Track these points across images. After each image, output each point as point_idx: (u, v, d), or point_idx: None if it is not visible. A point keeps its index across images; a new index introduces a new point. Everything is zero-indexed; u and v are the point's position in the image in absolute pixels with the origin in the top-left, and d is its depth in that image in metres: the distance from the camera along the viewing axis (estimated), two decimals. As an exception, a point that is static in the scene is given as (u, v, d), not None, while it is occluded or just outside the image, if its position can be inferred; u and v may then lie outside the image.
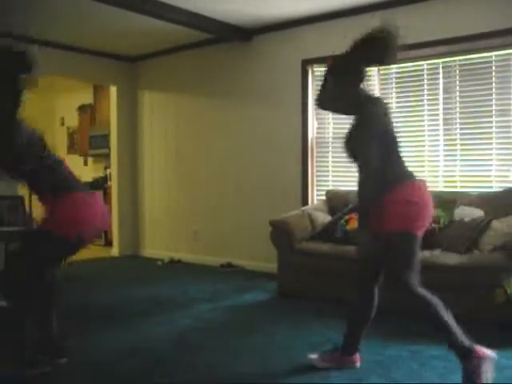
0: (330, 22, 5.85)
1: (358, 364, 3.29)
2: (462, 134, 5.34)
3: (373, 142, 3.02)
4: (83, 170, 10.09)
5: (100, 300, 5.15)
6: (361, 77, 3.15)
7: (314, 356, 3.35)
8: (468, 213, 4.76)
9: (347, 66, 3.19)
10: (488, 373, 2.84)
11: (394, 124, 3.28)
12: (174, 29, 6.15)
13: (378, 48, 3.15)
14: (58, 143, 10.75)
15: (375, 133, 3.04)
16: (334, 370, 3.23)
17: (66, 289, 5.31)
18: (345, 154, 3.25)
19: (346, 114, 3.31)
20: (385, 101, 3.33)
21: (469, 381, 2.84)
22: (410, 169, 3.18)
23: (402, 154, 3.17)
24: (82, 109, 9.93)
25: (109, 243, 8.42)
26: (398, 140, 3.19)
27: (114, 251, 7.98)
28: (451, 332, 2.93)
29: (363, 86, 3.16)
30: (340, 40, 5.64)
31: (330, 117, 6.03)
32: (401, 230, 2.92)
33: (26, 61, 3.25)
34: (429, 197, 3.06)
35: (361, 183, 3.12)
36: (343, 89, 3.15)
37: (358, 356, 3.31)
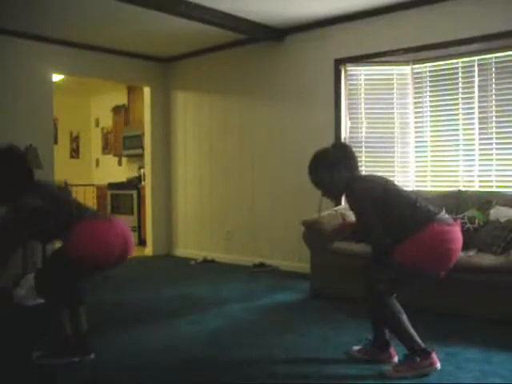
0: (362, 21, 5.81)
1: (396, 359, 3.29)
2: (497, 133, 5.25)
3: (373, 215, 3.19)
4: (117, 170, 10.23)
5: (133, 299, 5.20)
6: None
7: (356, 347, 3.43)
8: (504, 213, 4.67)
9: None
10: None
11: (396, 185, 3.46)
12: (207, 30, 6.18)
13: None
14: (92, 144, 10.94)
15: (372, 204, 3.19)
16: (369, 366, 3.21)
17: (101, 288, 5.42)
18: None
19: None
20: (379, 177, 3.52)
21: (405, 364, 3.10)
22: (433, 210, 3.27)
23: (416, 202, 3.26)
24: (116, 110, 10.06)
25: (143, 243, 8.51)
26: (398, 189, 3.38)
27: (148, 251, 8.06)
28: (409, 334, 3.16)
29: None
30: (372, 39, 5.62)
31: (363, 116, 6.00)
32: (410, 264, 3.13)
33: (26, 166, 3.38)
34: (452, 240, 3.21)
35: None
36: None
37: (393, 351, 3.33)
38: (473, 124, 5.38)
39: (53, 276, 3.36)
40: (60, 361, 3.36)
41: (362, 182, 3.32)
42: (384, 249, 3.20)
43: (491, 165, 5.30)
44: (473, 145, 5.39)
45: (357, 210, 3.34)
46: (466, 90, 5.42)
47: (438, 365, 3.12)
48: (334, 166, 3.32)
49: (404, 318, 3.17)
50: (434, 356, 3.13)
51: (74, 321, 3.47)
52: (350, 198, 3.38)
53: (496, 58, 5.20)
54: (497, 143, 5.25)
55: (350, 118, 6.11)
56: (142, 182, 8.89)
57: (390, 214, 3.18)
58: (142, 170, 9.07)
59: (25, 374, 3.31)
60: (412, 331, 3.16)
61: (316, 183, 3.45)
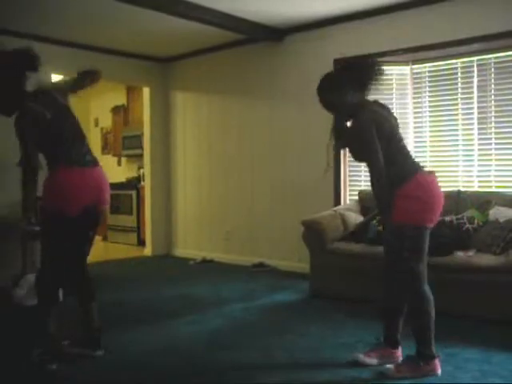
0: (361, 21, 5.81)
1: (400, 360, 3.30)
2: (496, 133, 5.25)
3: (374, 147, 3.10)
4: (117, 170, 10.22)
5: (133, 299, 5.20)
6: (347, 88, 3.29)
7: (360, 354, 3.36)
8: (503, 213, 4.68)
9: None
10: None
11: (398, 122, 3.38)
12: (206, 30, 6.18)
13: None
14: (92, 144, 10.90)
15: (374, 138, 3.11)
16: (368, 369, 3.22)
17: (100, 288, 5.42)
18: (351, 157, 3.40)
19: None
20: (384, 103, 3.47)
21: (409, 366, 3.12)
22: (418, 162, 3.30)
23: (406, 150, 3.26)
24: (115, 110, 10.06)
25: (142, 243, 8.51)
26: (401, 136, 3.27)
27: (147, 251, 8.06)
28: (429, 339, 3.15)
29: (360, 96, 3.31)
30: (371, 39, 5.62)
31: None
32: (406, 223, 3.10)
33: (31, 59, 3.49)
34: (434, 189, 3.21)
35: (372, 185, 3.23)
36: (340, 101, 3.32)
37: (400, 352, 3.34)
38: (472, 124, 5.39)
39: (44, 251, 3.40)
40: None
41: (369, 112, 3.23)
42: (386, 191, 3.12)
43: (490, 165, 5.31)
44: (472, 145, 5.40)
45: (360, 141, 3.19)
46: (466, 91, 5.42)
47: (439, 371, 3.13)
48: (341, 86, 3.30)
49: (433, 316, 3.17)
50: (437, 362, 3.14)
51: (87, 317, 3.54)
52: (353, 126, 3.28)
53: (495, 58, 5.21)
54: (496, 143, 5.26)
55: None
56: (142, 182, 8.89)
57: (389, 155, 3.13)
58: (141, 170, 9.08)
59: (24, 373, 3.32)
60: (432, 335, 3.16)
61: (325, 104, 3.44)
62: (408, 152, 3.27)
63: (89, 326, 3.55)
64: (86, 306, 3.55)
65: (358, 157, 3.33)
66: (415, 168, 3.20)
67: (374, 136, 3.08)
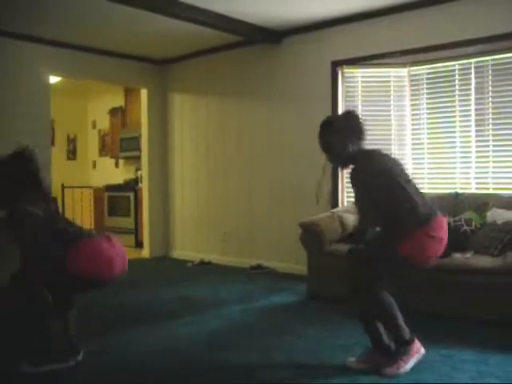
0: (359, 23, 5.82)
1: None
2: (494, 135, 5.27)
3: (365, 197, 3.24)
4: (114, 172, 10.22)
5: (132, 300, 5.20)
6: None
7: (351, 359, 3.36)
8: (501, 215, 4.69)
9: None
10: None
11: (405, 168, 3.45)
12: (203, 31, 6.19)
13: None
14: (89, 146, 10.93)
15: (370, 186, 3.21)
16: (365, 371, 3.22)
17: (98, 290, 5.41)
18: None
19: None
20: (386, 153, 3.47)
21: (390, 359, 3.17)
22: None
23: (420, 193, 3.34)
24: (113, 112, 10.06)
25: (140, 245, 8.51)
26: (413, 182, 3.34)
27: (145, 253, 8.06)
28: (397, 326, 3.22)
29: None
30: (369, 41, 5.64)
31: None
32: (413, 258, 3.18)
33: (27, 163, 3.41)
34: (445, 232, 3.29)
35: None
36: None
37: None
38: (469, 126, 5.40)
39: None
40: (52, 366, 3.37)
41: (370, 159, 3.29)
42: (363, 231, 3.33)
43: (488, 167, 5.32)
44: (469, 147, 5.41)
45: (356, 186, 3.29)
46: (463, 93, 5.43)
47: (423, 349, 3.23)
48: (345, 132, 3.33)
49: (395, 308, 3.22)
50: (417, 343, 3.21)
51: (63, 325, 3.49)
52: (353, 172, 3.33)
53: (493, 60, 5.22)
54: (493, 145, 5.27)
55: (347, 120, 6.11)
56: (139, 184, 8.89)
57: (394, 199, 3.18)
58: (139, 172, 9.07)
59: (24, 375, 3.31)
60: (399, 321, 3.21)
61: (325, 144, 3.47)
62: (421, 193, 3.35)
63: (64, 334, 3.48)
64: (65, 315, 3.49)
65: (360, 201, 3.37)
66: (434, 210, 3.26)
67: (366, 186, 3.20)
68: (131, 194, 9.06)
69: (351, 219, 5.42)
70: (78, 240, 3.32)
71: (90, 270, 3.28)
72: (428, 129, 5.68)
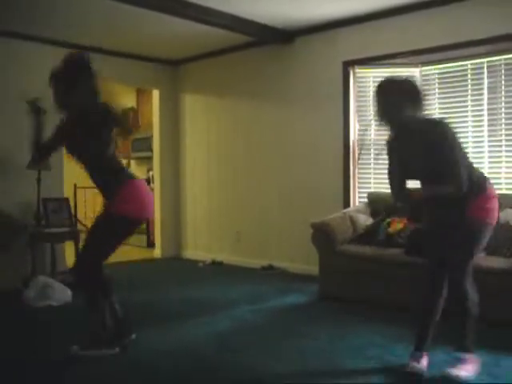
0: (370, 23, 5.81)
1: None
2: (507, 135, 5.22)
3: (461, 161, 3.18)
4: (126, 172, 10.23)
5: (141, 301, 5.20)
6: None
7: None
8: (514, 216, 4.66)
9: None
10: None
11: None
12: (215, 32, 6.19)
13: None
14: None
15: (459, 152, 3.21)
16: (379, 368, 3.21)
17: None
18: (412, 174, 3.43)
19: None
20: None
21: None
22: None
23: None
24: (125, 112, 10.07)
25: (151, 245, 8.53)
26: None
27: (157, 253, 8.08)
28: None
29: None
30: (381, 41, 5.61)
31: (371, 119, 5.98)
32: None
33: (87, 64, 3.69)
34: None
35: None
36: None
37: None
38: (482, 126, 5.36)
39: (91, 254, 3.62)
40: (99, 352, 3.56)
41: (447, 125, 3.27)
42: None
43: (500, 167, 5.28)
44: (482, 147, 5.37)
45: (442, 149, 3.14)
46: (476, 92, 5.39)
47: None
48: (400, 96, 3.20)
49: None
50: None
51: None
52: (436, 135, 3.20)
53: (505, 59, 5.18)
54: (506, 145, 5.23)
55: (358, 121, 6.10)
56: (151, 184, 8.90)
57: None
58: (150, 173, 9.10)
59: (33, 372, 3.35)
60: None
61: (380, 103, 3.28)
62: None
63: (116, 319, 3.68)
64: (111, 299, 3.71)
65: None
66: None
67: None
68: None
69: (363, 219, 5.41)
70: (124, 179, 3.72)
71: (131, 207, 3.57)
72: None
